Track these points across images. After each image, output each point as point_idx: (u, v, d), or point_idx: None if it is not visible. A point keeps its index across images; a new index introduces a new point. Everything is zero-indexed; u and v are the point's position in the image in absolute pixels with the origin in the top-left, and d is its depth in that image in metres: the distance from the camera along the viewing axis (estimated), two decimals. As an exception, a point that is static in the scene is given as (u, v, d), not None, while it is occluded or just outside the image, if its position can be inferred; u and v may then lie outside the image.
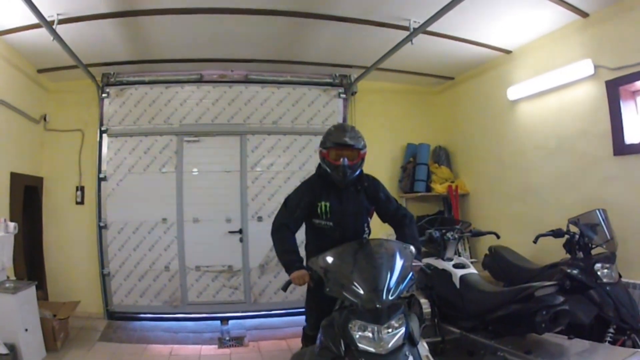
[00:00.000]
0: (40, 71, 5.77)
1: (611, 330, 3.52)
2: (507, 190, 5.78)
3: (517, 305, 3.39)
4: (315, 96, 6.56)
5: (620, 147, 4.29)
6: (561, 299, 3.28)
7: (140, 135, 6.09)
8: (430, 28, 4.75)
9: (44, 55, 5.29)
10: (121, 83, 6.18)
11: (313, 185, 3.43)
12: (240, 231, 6.14)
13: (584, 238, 3.89)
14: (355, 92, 6.68)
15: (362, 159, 3.32)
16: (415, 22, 4.83)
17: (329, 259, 2.79)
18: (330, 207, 3.32)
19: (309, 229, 3.51)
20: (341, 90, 6.62)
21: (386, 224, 3.59)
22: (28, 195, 5.63)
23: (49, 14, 4.24)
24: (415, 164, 6.66)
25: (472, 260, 5.44)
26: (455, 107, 6.90)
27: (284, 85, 6.53)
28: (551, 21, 4.82)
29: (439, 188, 6.49)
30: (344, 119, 6.47)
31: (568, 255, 4.00)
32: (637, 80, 4.14)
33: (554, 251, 4.16)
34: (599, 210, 4.03)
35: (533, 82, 5.28)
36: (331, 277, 2.68)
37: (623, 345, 3.44)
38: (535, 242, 4.02)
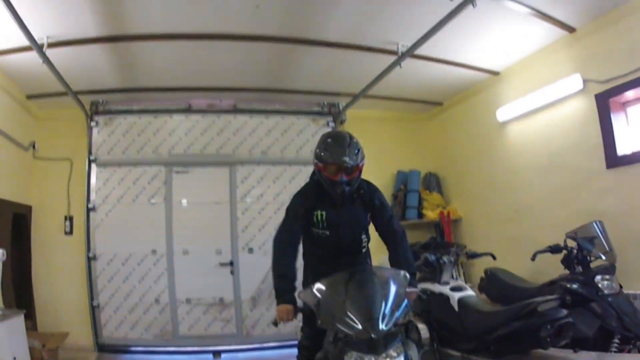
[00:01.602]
0: (29, 97, 6.45)
1: (616, 340, 3.97)
2: (500, 212, 6.53)
3: (520, 322, 3.86)
4: (304, 125, 7.56)
5: (613, 160, 4.92)
6: (564, 312, 3.72)
7: (129, 166, 6.93)
8: (418, 51, 5.52)
9: (33, 80, 5.95)
10: (110, 112, 7.01)
11: (308, 193, 3.80)
12: (231, 263, 6.94)
13: (582, 252, 4.40)
14: (344, 121, 7.63)
15: (361, 171, 3.66)
16: (403, 45, 5.62)
17: (320, 290, 3.04)
18: (327, 216, 3.72)
19: (306, 236, 3.86)
20: (330, 119, 7.63)
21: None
22: (17, 223, 6.15)
23: (39, 36, 4.82)
24: (406, 191, 7.58)
25: (468, 285, 5.82)
26: (445, 133, 7.82)
27: (273, 114, 7.50)
28: (538, 39, 5.61)
29: (431, 214, 7.36)
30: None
31: (567, 271, 4.53)
32: (627, 90, 4.79)
33: (552, 269, 4.69)
34: (596, 222, 4.56)
35: (522, 101, 6.04)
36: (323, 309, 2.93)
37: (629, 353, 3.94)
38: (533, 259, 4.56)
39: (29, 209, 6.62)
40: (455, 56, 6.19)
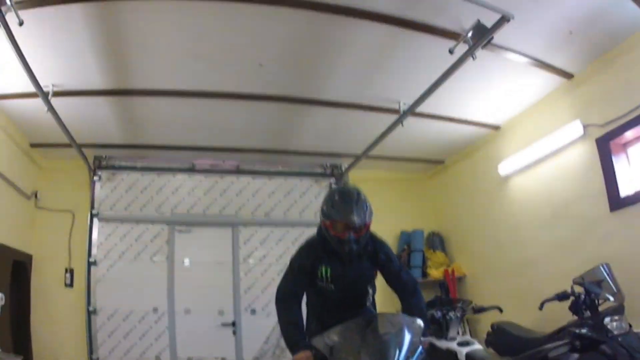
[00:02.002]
0: (33, 145, 6.68)
1: None
2: (504, 267, 6.67)
3: None
4: (307, 187, 7.91)
5: (616, 202, 5.04)
6: (576, 356, 3.87)
7: (131, 222, 7.12)
8: (419, 109, 5.83)
9: (38, 128, 6.22)
10: (113, 167, 7.26)
11: (314, 248, 3.84)
12: (234, 323, 7.06)
13: (590, 296, 4.44)
14: (347, 182, 7.88)
15: (369, 228, 3.70)
16: (404, 104, 5.92)
17: (334, 337, 3.08)
18: (332, 272, 3.77)
19: (310, 288, 3.93)
20: (332, 180, 7.96)
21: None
22: (17, 271, 6.22)
23: (45, 83, 5.02)
24: (410, 251, 7.80)
25: (474, 339, 5.85)
26: (447, 191, 8.13)
27: (276, 176, 7.83)
28: (537, 89, 5.90)
29: (435, 273, 7.53)
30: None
31: (575, 318, 4.54)
32: (626, 131, 4.96)
33: (560, 318, 4.68)
34: (602, 265, 4.60)
35: (523, 154, 6.26)
36: (337, 356, 3.00)
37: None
38: (540, 308, 4.64)
39: (29, 257, 6.71)
40: (456, 112, 6.56)
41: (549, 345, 4.10)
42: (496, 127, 6.97)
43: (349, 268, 3.80)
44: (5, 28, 3.93)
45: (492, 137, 7.07)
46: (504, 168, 6.75)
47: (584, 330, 4.29)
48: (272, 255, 7.61)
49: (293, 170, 8.05)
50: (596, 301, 4.46)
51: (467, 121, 6.79)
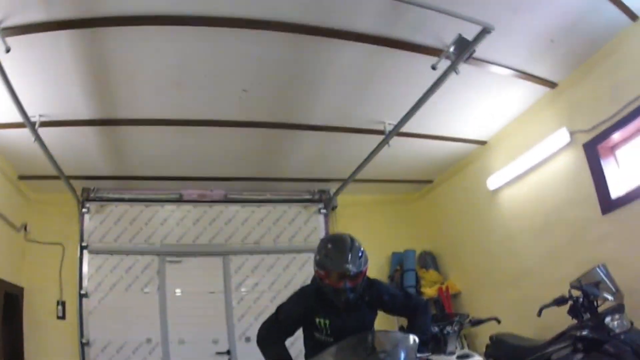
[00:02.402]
0: (21, 177, 6.75)
1: None
2: (499, 279, 6.73)
3: None
4: (296, 213, 8.01)
5: (608, 205, 5.11)
6: (579, 356, 3.90)
7: (121, 254, 7.18)
8: (405, 129, 5.90)
9: (25, 159, 6.29)
10: (101, 199, 7.35)
11: (308, 298, 3.75)
12: (228, 352, 7.09)
13: (589, 297, 4.46)
14: (336, 207, 8.12)
15: (364, 276, 3.64)
16: (389, 124, 5.98)
17: (327, 359, 3.14)
18: (330, 324, 3.68)
19: (308, 340, 3.84)
20: (321, 205, 8.09)
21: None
22: (9, 304, 6.24)
23: (31, 113, 5.09)
24: (403, 271, 7.87)
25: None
26: (437, 210, 8.27)
27: (264, 203, 7.94)
28: (522, 100, 6.01)
29: (429, 291, 7.60)
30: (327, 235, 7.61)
31: (575, 321, 4.57)
32: (612, 134, 5.05)
33: (559, 325, 4.70)
34: (599, 266, 4.63)
35: (511, 166, 6.36)
36: None
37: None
38: (539, 314, 4.66)
39: (21, 290, 6.74)
40: (442, 130, 6.68)
41: (552, 348, 4.15)
42: (483, 142, 7.12)
43: (348, 318, 3.72)
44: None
45: (479, 152, 7.22)
46: (492, 182, 6.87)
47: (585, 332, 4.30)
48: (264, 283, 7.69)
49: (281, 197, 8.16)
50: (595, 302, 4.50)
51: (453, 138, 6.92)
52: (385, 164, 7.25)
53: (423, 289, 7.87)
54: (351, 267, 3.49)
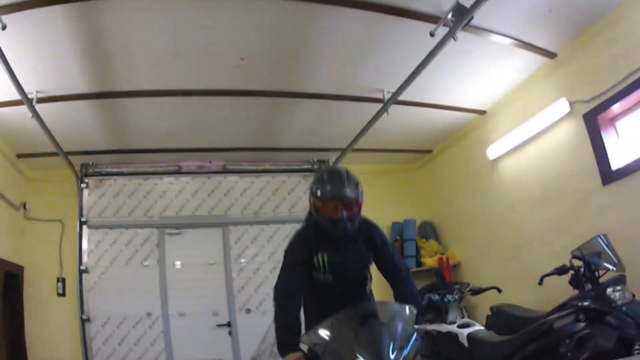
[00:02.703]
0: (19, 156, 6.79)
1: (637, 347, 3.98)
2: (499, 251, 6.79)
3: (536, 343, 4.01)
4: (295, 183, 8.04)
5: (608, 176, 5.12)
6: (582, 325, 3.83)
7: (120, 228, 7.24)
8: (404, 97, 5.91)
9: (23, 138, 6.32)
10: (100, 174, 7.38)
11: (307, 237, 3.74)
12: (229, 324, 7.16)
13: (590, 267, 4.39)
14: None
15: (360, 207, 3.65)
16: (388, 92, 5.97)
17: (323, 332, 3.02)
18: (329, 259, 3.66)
19: (307, 282, 3.74)
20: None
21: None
22: (9, 283, 6.34)
23: (28, 90, 5.08)
24: (403, 241, 7.95)
25: (475, 322, 6.26)
26: (437, 180, 8.30)
27: (263, 174, 7.98)
28: (521, 70, 5.99)
29: (430, 262, 7.67)
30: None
31: (576, 292, 4.51)
32: (612, 105, 5.05)
33: (560, 295, 4.62)
34: (600, 236, 4.61)
35: (511, 136, 6.36)
36: (328, 352, 2.93)
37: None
38: (540, 283, 4.61)
39: (21, 269, 6.82)
40: (441, 99, 6.66)
41: (554, 316, 4.09)
42: (482, 112, 7.11)
43: (346, 253, 3.71)
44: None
45: (479, 122, 7.21)
46: (492, 152, 6.87)
47: (586, 303, 4.20)
48: (264, 254, 7.74)
49: (280, 167, 8.19)
50: (596, 273, 4.44)
51: (452, 107, 6.92)
52: (385, 133, 7.27)
53: (423, 259, 7.94)
54: (348, 192, 3.51)
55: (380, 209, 7.99)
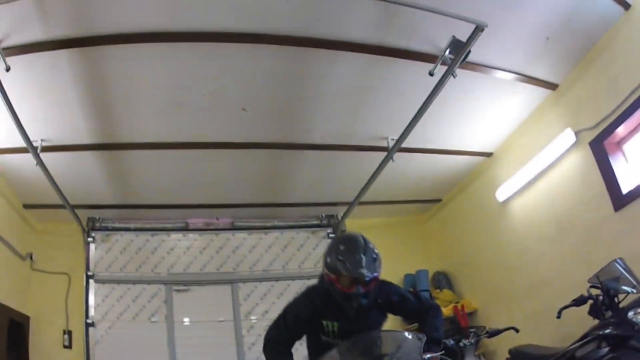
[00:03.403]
0: (26, 206, 6.93)
1: None
2: (515, 293, 6.72)
3: None
4: (304, 239, 8.13)
5: (620, 200, 5.10)
6: (605, 350, 3.76)
7: (128, 283, 7.29)
8: (409, 143, 5.98)
9: (29, 187, 6.47)
10: (107, 229, 7.51)
11: (315, 301, 3.61)
12: None
13: (609, 293, 4.34)
14: (344, 231, 8.08)
15: (378, 280, 3.46)
16: (392, 139, 6.05)
17: None
18: (339, 328, 3.56)
19: (314, 343, 3.75)
20: (329, 230, 8.20)
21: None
22: (14, 332, 6.36)
23: (33, 138, 5.21)
24: (416, 292, 7.69)
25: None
26: (448, 229, 8.34)
27: (272, 230, 8.07)
28: (524, 105, 6.07)
29: (445, 311, 7.38)
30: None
31: (596, 322, 4.43)
32: (617, 127, 5.09)
33: (580, 330, 4.46)
34: (617, 260, 4.53)
35: (519, 175, 6.40)
36: None
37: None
38: (558, 316, 4.55)
39: (27, 318, 6.85)
40: (447, 143, 6.78)
41: (575, 346, 4.01)
42: (489, 154, 7.21)
43: (358, 323, 3.54)
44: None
45: (486, 164, 7.32)
46: (501, 193, 6.91)
47: (608, 330, 4.09)
48: (274, 310, 7.51)
49: (288, 223, 8.29)
50: (616, 298, 4.36)
51: (458, 151, 7.01)
52: (392, 183, 7.39)
53: (438, 310, 7.84)
54: (366, 273, 3.30)
55: (392, 261, 7.81)
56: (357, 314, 3.53)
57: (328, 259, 3.49)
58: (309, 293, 3.76)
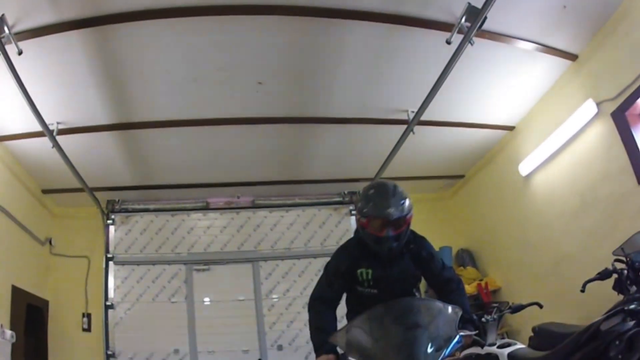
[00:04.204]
0: (45, 192, 7.11)
1: None
2: (539, 269, 6.69)
3: (584, 349, 3.84)
4: (326, 216, 8.15)
5: None
6: (631, 324, 3.63)
7: (147, 264, 7.44)
8: (429, 116, 5.98)
9: (47, 172, 6.64)
10: (126, 210, 7.67)
11: (351, 250, 3.69)
12: None
13: (635, 266, 4.20)
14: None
15: (409, 224, 3.59)
16: (412, 111, 6.02)
17: (355, 332, 2.89)
18: (373, 274, 3.61)
19: (351, 295, 3.85)
20: (352, 207, 8.16)
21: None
22: (32, 316, 6.52)
23: (49, 121, 5.32)
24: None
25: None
26: (471, 206, 8.36)
27: (293, 208, 8.13)
28: (545, 77, 6.02)
29: (469, 288, 7.52)
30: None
31: (621, 297, 4.24)
32: (638, 98, 5.01)
33: (604, 307, 4.22)
34: None
35: (542, 148, 6.37)
36: (358, 353, 2.81)
37: None
38: (582, 290, 4.41)
39: (45, 303, 7.03)
40: (468, 116, 6.71)
41: (600, 319, 3.88)
42: (511, 128, 7.15)
43: (391, 268, 3.64)
44: (6, 59, 4.24)
45: (509, 138, 7.27)
46: (524, 168, 6.87)
47: (633, 306, 3.89)
48: (295, 289, 7.79)
49: (310, 200, 8.34)
50: None
51: (480, 125, 6.95)
52: (413, 159, 7.42)
53: (462, 287, 7.81)
54: (393, 212, 3.40)
55: None
56: (389, 259, 3.61)
57: (359, 204, 3.58)
58: (346, 245, 3.85)
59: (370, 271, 3.63)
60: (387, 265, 3.62)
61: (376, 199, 3.49)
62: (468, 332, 3.20)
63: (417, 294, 4.08)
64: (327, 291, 3.68)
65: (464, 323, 3.23)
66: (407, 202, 3.53)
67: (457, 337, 2.79)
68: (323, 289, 3.71)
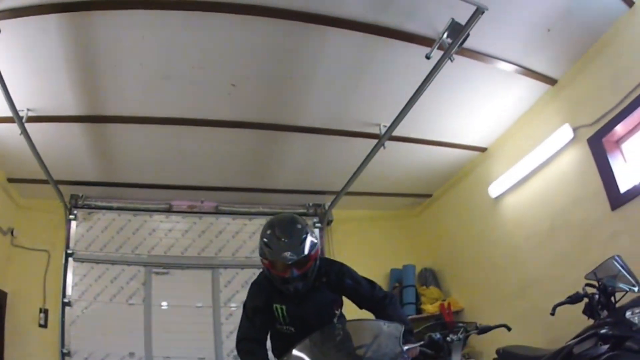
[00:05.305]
0: (10, 180, 7.05)
1: None
2: (505, 292, 6.80)
3: None
4: None
5: (617, 200, 5.15)
6: (604, 347, 3.73)
7: (106, 263, 7.40)
8: (401, 132, 6.10)
9: (14, 160, 6.58)
10: (89, 207, 7.64)
11: (264, 285, 3.67)
12: None
13: (606, 291, 4.33)
14: (331, 221, 8.32)
15: (316, 259, 3.50)
16: (384, 126, 6.09)
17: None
18: (287, 310, 3.60)
19: (273, 334, 3.82)
20: (316, 219, 8.31)
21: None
22: None
23: (20, 107, 5.27)
24: (402, 287, 8.02)
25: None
26: (437, 225, 8.49)
27: (256, 216, 8.14)
28: (522, 99, 6.14)
29: (431, 308, 7.76)
30: (322, 251, 7.79)
31: (591, 322, 4.37)
32: (616, 126, 5.17)
33: (572, 331, 4.41)
34: (615, 257, 4.47)
35: (514, 170, 6.48)
36: None
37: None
38: (552, 313, 4.51)
39: (4, 294, 6.94)
40: (440, 134, 6.85)
41: (573, 341, 4.02)
42: (483, 149, 7.32)
43: (306, 304, 3.62)
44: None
45: (480, 160, 7.44)
46: (494, 189, 7.01)
47: (604, 330, 4.06)
48: (255, 299, 7.82)
49: (274, 210, 8.31)
50: (613, 298, 4.36)
51: (452, 144, 7.10)
52: (382, 175, 7.55)
53: (424, 306, 8.03)
54: (289, 256, 3.33)
55: (378, 255, 8.37)
56: (299, 297, 3.58)
57: (260, 242, 3.53)
58: (257, 281, 3.82)
59: (284, 307, 3.63)
60: (302, 301, 3.62)
61: (272, 240, 3.44)
62: (413, 345, 3.19)
63: (337, 319, 3.82)
64: (251, 330, 3.61)
65: (405, 335, 3.06)
66: (308, 239, 3.45)
67: (403, 354, 2.80)
68: (246, 329, 3.64)
